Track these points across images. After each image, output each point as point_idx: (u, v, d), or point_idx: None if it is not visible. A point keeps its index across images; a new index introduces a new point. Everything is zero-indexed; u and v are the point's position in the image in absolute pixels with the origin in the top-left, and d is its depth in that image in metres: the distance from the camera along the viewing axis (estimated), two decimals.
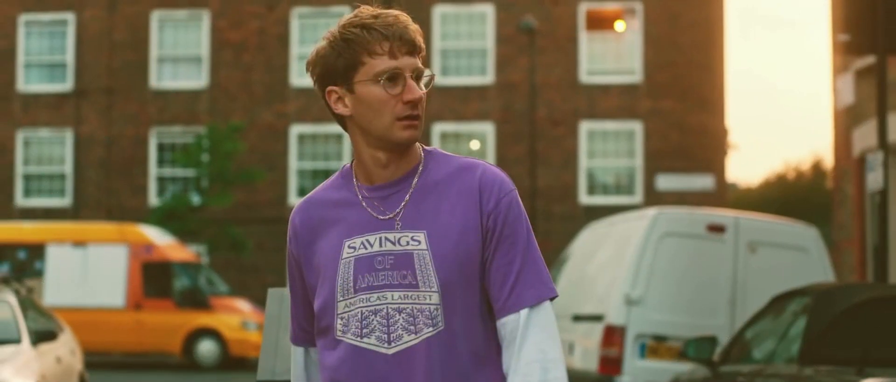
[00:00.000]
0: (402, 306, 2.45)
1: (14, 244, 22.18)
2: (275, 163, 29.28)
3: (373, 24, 2.45)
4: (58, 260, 21.79)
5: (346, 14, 2.54)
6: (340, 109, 2.51)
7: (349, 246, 2.49)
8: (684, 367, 8.70)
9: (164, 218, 26.25)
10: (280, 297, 3.54)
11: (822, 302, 6.84)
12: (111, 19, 29.96)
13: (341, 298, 2.49)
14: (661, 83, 28.80)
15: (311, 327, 2.62)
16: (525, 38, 27.84)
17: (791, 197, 44.49)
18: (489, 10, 29.44)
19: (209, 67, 29.83)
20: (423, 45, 2.50)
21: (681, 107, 28.76)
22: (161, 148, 29.89)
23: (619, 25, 29.28)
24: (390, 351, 2.45)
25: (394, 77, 2.45)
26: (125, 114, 29.84)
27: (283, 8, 29.78)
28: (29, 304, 11.35)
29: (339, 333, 2.49)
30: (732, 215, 10.66)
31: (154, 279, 21.81)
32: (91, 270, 21.68)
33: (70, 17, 30.12)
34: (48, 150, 30.27)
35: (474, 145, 29.43)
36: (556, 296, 2.50)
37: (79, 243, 21.92)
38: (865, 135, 15.47)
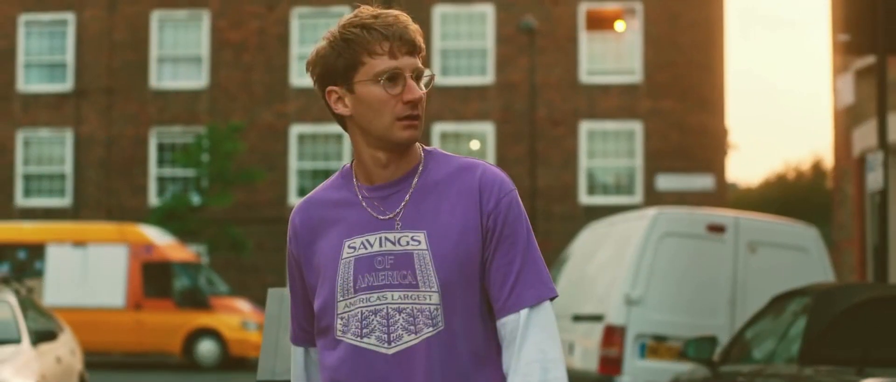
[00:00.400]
0: (402, 306, 2.45)
1: (14, 244, 22.18)
2: (275, 163, 29.29)
3: (373, 24, 2.45)
4: (58, 260, 21.79)
5: (346, 14, 2.54)
6: (340, 109, 2.51)
7: (349, 246, 2.49)
8: (684, 367, 8.70)
9: (164, 218, 26.25)
10: (280, 297, 3.54)
11: (822, 302, 6.84)
12: (111, 19, 29.96)
13: (341, 298, 2.49)
14: (661, 83, 28.80)
15: (311, 327, 2.62)
16: (525, 38, 27.83)
17: (791, 197, 44.48)
18: (489, 10, 29.44)
19: (209, 67, 29.83)
20: (423, 45, 2.50)
21: (681, 107, 28.76)
22: (161, 148, 29.89)
23: (619, 25, 29.28)
24: (390, 351, 2.45)
25: (394, 77, 2.45)
26: (125, 114, 29.85)
27: (283, 8, 29.78)
28: (29, 304, 11.35)
29: (339, 333, 2.49)
30: (732, 215, 10.66)
31: (154, 279, 21.81)
32: (91, 270, 21.68)
33: (70, 17, 30.12)
34: (48, 150, 30.27)
35: (474, 145, 29.43)
36: (557, 296, 2.50)
37: (79, 243, 21.92)
38: (865, 135, 15.47)
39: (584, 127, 29.00)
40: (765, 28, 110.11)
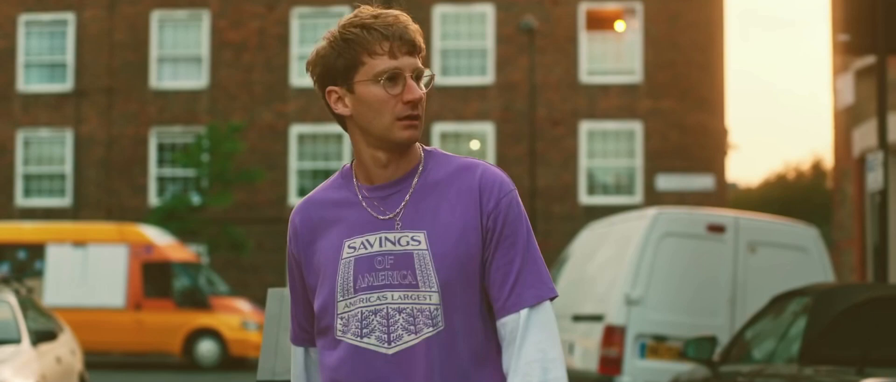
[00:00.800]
0: (402, 306, 2.45)
1: (14, 244, 22.17)
2: (275, 162, 29.28)
3: (373, 24, 2.45)
4: (58, 260, 21.79)
5: (346, 14, 2.53)
6: (340, 109, 2.51)
7: (349, 246, 2.49)
8: (684, 367, 8.70)
9: (164, 218, 26.26)
10: (280, 297, 3.54)
11: (822, 302, 6.84)
12: (111, 19, 29.96)
13: (341, 298, 2.49)
14: (661, 83, 28.80)
15: (311, 327, 2.62)
16: (525, 38, 27.83)
17: (791, 197, 44.47)
18: (489, 10, 29.44)
19: (209, 67, 29.83)
20: (423, 45, 2.50)
21: (681, 107, 28.76)
22: (161, 148, 29.89)
23: (619, 25, 29.28)
24: (390, 351, 2.44)
25: (394, 77, 2.45)
26: (125, 114, 29.85)
27: (283, 8, 29.78)
28: (29, 304, 11.35)
29: (338, 333, 2.49)
30: (732, 215, 10.65)
31: (154, 279, 21.81)
32: (91, 270, 21.68)
33: (70, 17, 30.12)
34: (48, 150, 30.27)
35: (474, 145, 29.43)
36: (556, 296, 2.50)
37: (79, 243, 21.92)
38: (865, 135, 15.47)
39: (584, 127, 29.00)
40: (764, 28, 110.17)
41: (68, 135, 30.02)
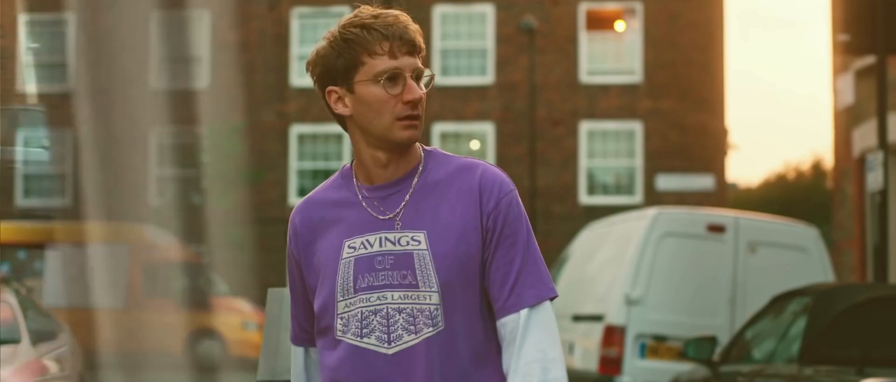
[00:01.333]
0: (402, 306, 2.45)
1: (14, 244, 22.17)
2: (275, 163, 29.29)
3: (373, 24, 2.45)
4: (58, 260, 21.79)
5: (346, 14, 2.53)
6: (340, 109, 2.51)
7: (349, 246, 2.49)
8: (684, 367, 8.70)
9: (165, 218, 26.26)
10: (280, 297, 3.55)
11: (822, 302, 6.84)
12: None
13: (341, 298, 2.49)
14: (661, 83, 28.80)
15: (311, 327, 2.62)
16: (525, 38, 27.83)
17: (791, 197, 44.44)
18: (489, 10, 29.43)
19: (209, 67, 29.83)
20: (423, 45, 2.50)
21: (681, 107, 28.75)
22: (161, 148, 29.89)
23: (619, 25, 29.28)
24: (390, 351, 2.45)
25: (394, 77, 2.45)
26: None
27: (283, 8, 29.78)
28: (29, 304, 11.35)
29: (338, 333, 2.49)
30: (732, 215, 10.66)
31: (154, 279, 21.81)
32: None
33: (70, 17, 30.12)
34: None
35: (474, 145, 29.42)
36: (557, 296, 2.50)
37: (79, 243, 21.92)
38: (865, 135, 15.47)
39: (584, 127, 28.99)
40: (764, 28, 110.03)
41: (68, 135, 30.02)
